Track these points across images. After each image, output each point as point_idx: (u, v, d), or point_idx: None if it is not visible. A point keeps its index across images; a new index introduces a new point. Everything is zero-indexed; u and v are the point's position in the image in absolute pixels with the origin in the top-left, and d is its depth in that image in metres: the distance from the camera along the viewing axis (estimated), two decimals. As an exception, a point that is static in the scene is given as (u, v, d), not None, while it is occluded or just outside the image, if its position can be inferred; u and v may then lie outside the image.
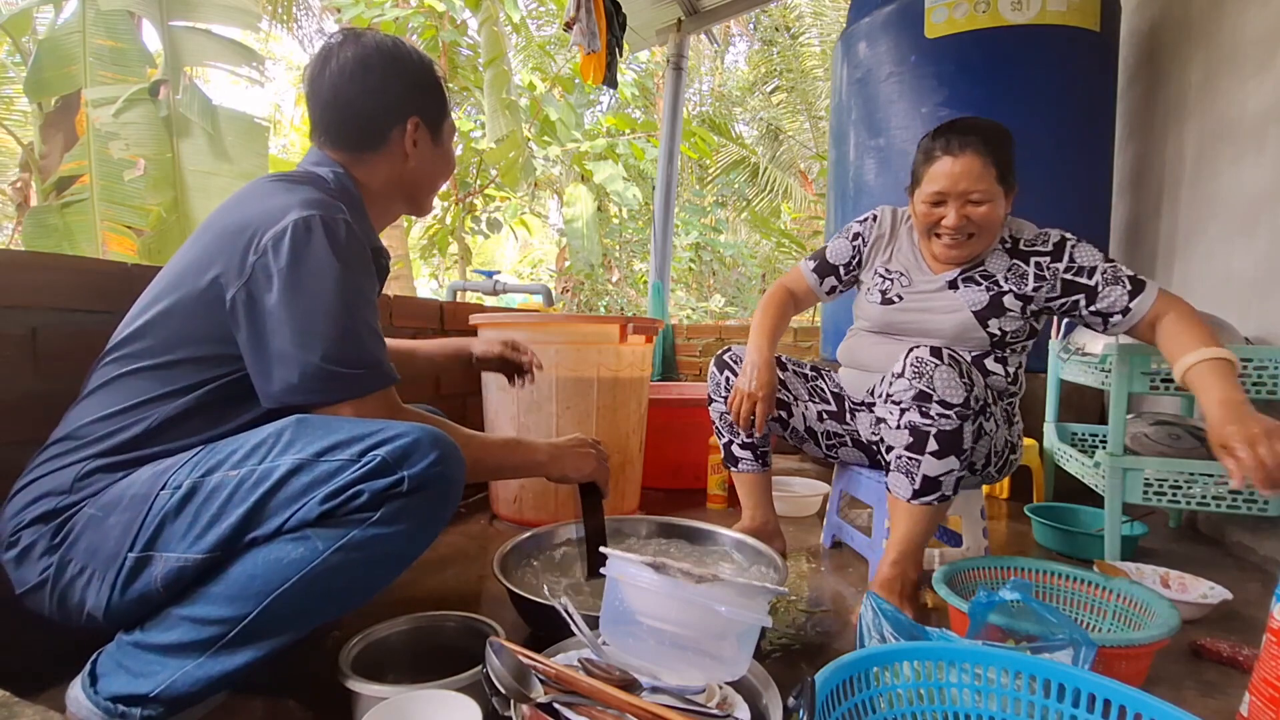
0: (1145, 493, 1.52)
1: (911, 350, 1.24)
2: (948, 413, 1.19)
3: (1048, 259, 1.35)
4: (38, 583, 0.80)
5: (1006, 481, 2.27)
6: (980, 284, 1.38)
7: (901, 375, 1.23)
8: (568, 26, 3.24)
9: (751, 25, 10.36)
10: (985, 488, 2.03)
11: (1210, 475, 1.48)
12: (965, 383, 1.19)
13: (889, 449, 1.27)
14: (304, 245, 0.82)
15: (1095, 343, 1.94)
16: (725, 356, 1.60)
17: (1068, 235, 1.36)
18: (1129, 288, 1.28)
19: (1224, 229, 1.97)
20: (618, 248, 10.01)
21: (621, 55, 3.48)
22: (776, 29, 9.55)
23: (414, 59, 1.03)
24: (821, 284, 1.58)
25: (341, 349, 0.83)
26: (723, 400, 1.58)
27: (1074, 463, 1.80)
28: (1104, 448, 1.59)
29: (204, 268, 0.85)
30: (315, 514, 0.74)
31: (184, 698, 0.76)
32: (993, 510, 2.13)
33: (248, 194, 0.91)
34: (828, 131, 3.35)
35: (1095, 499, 1.65)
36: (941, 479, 1.21)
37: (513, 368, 1.51)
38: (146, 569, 0.76)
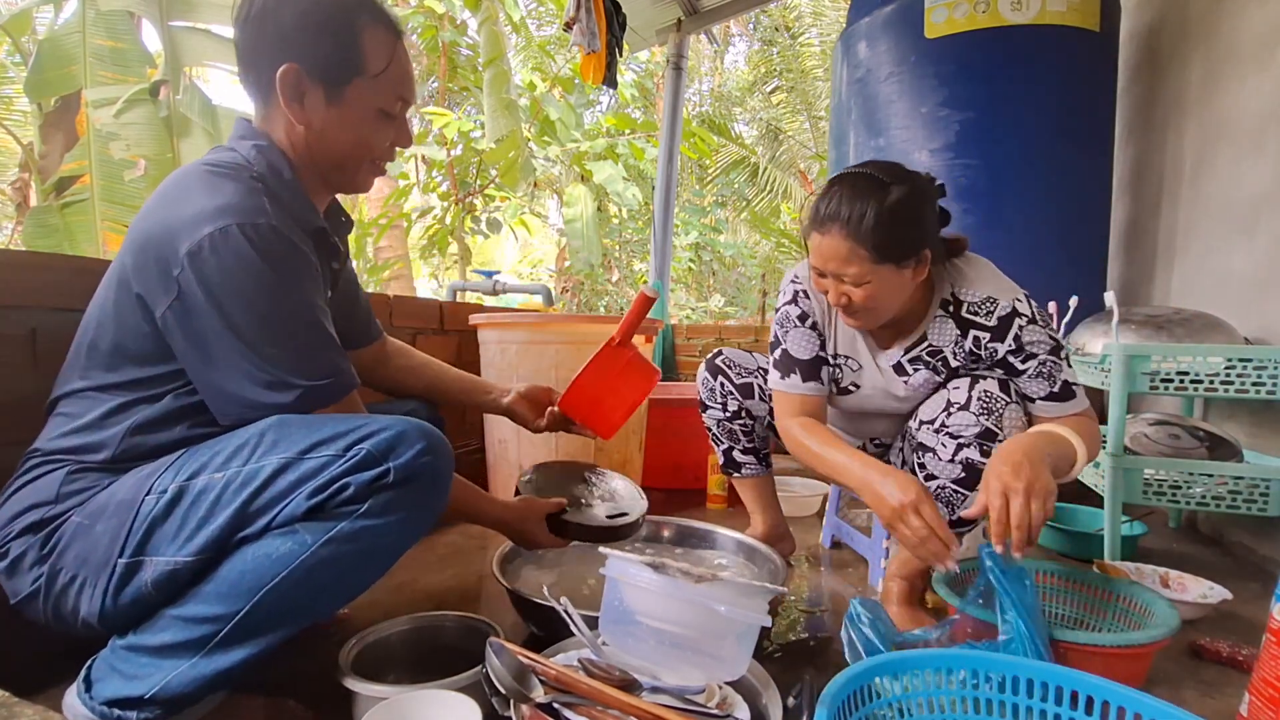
0: (1145, 493, 1.52)
1: (979, 382, 1.15)
2: None
3: (988, 336, 1.17)
4: (30, 593, 0.79)
5: (1006, 481, 2.27)
6: (929, 364, 1.23)
7: (965, 408, 1.14)
8: (568, 26, 3.24)
9: (751, 25, 10.36)
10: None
11: (1210, 475, 1.48)
12: (1027, 421, 1.15)
13: (929, 477, 1.19)
14: (226, 260, 0.76)
15: (1095, 342, 1.94)
16: (717, 360, 1.50)
17: (1019, 308, 1.15)
18: (1054, 389, 1.14)
19: (1223, 229, 1.97)
20: (618, 248, 10.01)
21: (621, 55, 3.48)
22: (776, 29, 9.56)
23: None
24: (823, 384, 1.31)
25: (294, 363, 0.81)
26: (719, 406, 1.49)
27: (1074, 463, 1.80)
28: (1103, 448, 1.59)
29: (131, 283, 0.81)
30: (303, 509, 0.74)
31: (179, 699, 0.76)
32: (992, 510, 2.13)
33: (169, 191, 0.84)
34: (828, 131, 3.35)
35: (1095, 499, 1.65)
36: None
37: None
38: (138, 574, 0.76)
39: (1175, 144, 2.29)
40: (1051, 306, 2.08)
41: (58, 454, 0.83)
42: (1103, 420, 2.12)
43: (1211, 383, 1.46)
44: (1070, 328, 2.08)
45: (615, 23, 3.32)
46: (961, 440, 1.14)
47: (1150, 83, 2.49)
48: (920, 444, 1.21)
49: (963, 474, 1.15)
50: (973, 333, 1.18)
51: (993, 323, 1.16)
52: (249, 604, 0.74)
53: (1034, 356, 1.15)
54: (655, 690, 0.80)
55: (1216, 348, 1.49)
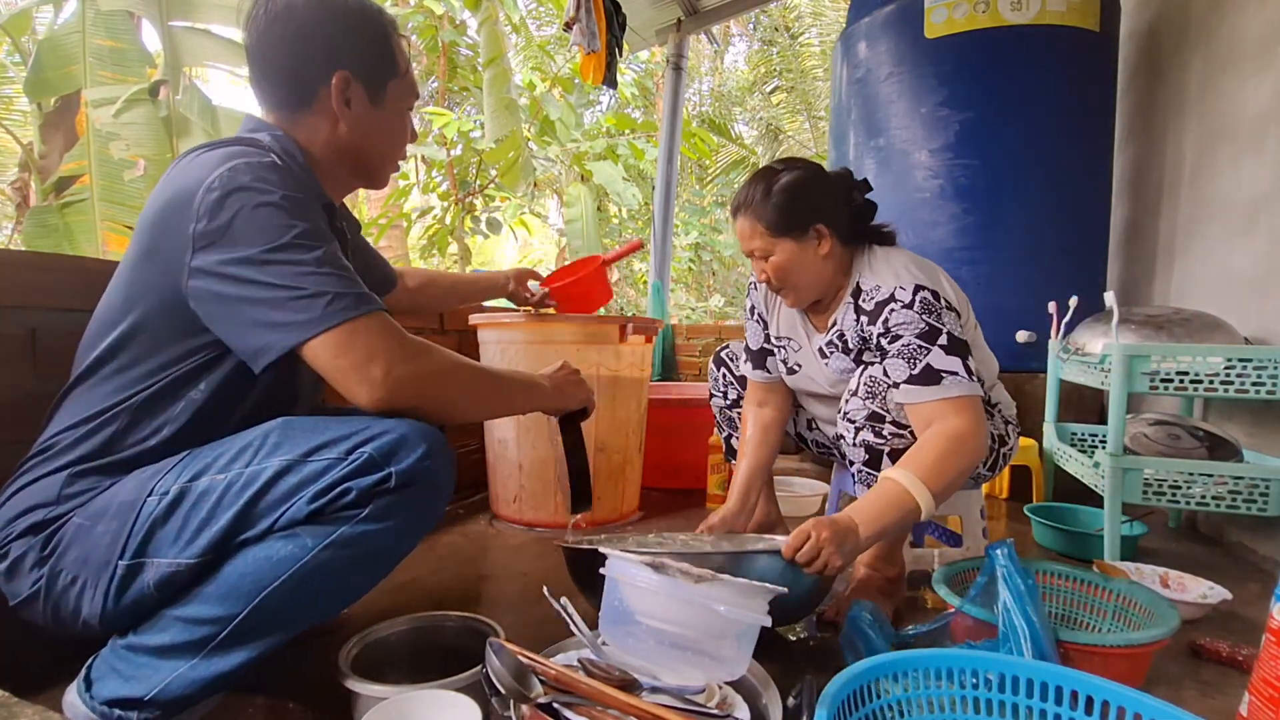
0: (1145, 493, 1.52)
1: (867, 369, 1.23)
2: (901, 432, 1.18)
3: (866, 320, 1.24)
4: (30, 595, 0.79)
5: (1006, 481, 2.27)
6: (839, 349, 1.32)
7: (855, 394, 1.22)
8: (567, 26, 3.24)
9: (751, 25, 10.35)
10: (985, 487, 2.04)
11: (1209, 475, 1.48)
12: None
13: (850, 462, 1.28)
14: (238, 191, 0.76)
15: (1095, 343, 1.94)
16: (722, 354, 1.64)
17: (898, 295, 1.19)
18: (914, 372, 1.14)
19: (1223, 229, 1.97)
20: (617, 248, 10.00)
21: (621, 55, 3.48)
22: (776, 29, 9.55)
23: (349, 6, 0.91)
24: (769, 371, 1.48)
25: (310, 277, 0.76)
26: (720, 395, 1.64)
27: (1073, 463, 1.80)
28: (1104, 448, 1.59)
29: (149, 260, 0.82)
30: (304, 513, 0.74)
31: (179, 700, 0.76)
32: (992, 510, 2.13)
33: (177, 168, 0.85)
34: (828, 131, 3.35)
35: (1095, 499, 1.65)
36: None
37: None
38: (139, 576, 0.76)
39: (1175, 144, 2.29)
40: (1051, 306, 2.08)
41: (60, 453, 0.83)
42: (1102, 420, 2.12)
43: (1211, 383, 1.46)
44: (1070, 328, 2.09)
45: (615, 23, 3.32)
46: (856, 424, 1.22)
47: (1150, 83, 2.49)
48: (838, 434, 1.30)
49: (865, 455, 1.22)
50: (861, 318, 1.26)
51: (870, 307, 1.23)
52: (249, 606, 0.74)
53: (899, 338, 1.17)
54: (655, 690, 0.80)
55: (1216, 348, 1.49)
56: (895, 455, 1.19)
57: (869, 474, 1.23)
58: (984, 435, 1.10)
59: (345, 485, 0.74)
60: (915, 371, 1.14)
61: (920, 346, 1.15)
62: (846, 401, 1.24)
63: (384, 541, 0.77)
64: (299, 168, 0.89)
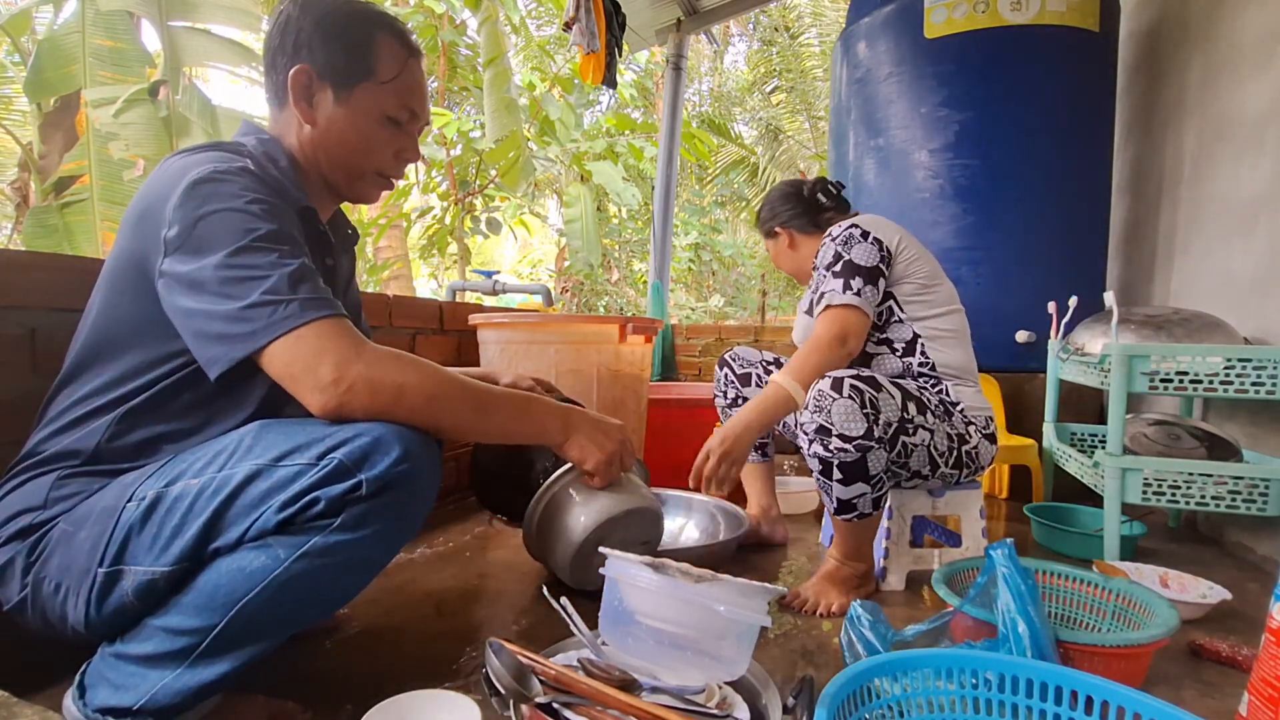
0: (1144, 493, 1.52)
1: (818, 382, 1.25)
2: (846, 446, 1.21)
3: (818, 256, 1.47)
4: (19, 600, 0.79)
5: (1006, 481, 2.27)
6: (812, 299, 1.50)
7: (807, 407, 1.26)
8: (567, 26, 3.25)
9: (751, 25, 10.36)
10: (985, 488, 2.04)
11: (1209, 475, 1.48)
12: (867, 413, 1.20)
13: (811, 470, 1.31)
14: (205, 195, 0.77)
15: (1094, 343, 1.94)
16: (727, 355, 1.70)
17: (833, 232, 1.41)
18: (819, 307, 1.36)
19: (1223, 229, 1.97)
20: (617, 248, 10.00)
21: (621, 55, 3.48)
22: (776, 29, 9.55)
23: (334, 2, 0.91)
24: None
25: (263, 282, 0.75)
26: (721, 394, 1.69)
27: (1073, 463, 1.80)
28: (1103, 448, 1.59)
29: (130, 263, 0.81)
30: (274, 522, 0.71)
31: (168, 709, 0.75)
32: (992, 510, 2.13)
33: (153, 176, 0.85)
34: (827, 132, 3.35)
35: (1095, 499, 1.65)
36: (855, 501, 1.25)
37: None
38: (118, 584, 0.75)
39: (1175, 144, 2.29)
40: (1051, 306, 2.09)
41: (47, 457, 0.82)
42: (1101, 420, 2.12)
43: (1211, 383, 1.46)
44: (1070, 328, 2.09)
45: (615, 23, 3.32)
46: (809, 436, 1.26)
47: (1150, 83, 2.49)
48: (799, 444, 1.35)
49: (820, 466, 1.26)
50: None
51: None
52: (225, 618, 0.72)
53: (820, 275, 1.40)
54: (655, 690, 0.80)
55: (1216, 348, 1.49)
56: (844, 468, 1.22)
57: (826, 483, 1.26)
58: (836, 334, 1.30)
59: (314, 494, 0.71)
60: (820, 307, 1.34)
61: (822, 277, 1.37)
62: (800, 413, 1.28)
63: (362, 551, 0.75)
64: (279, 170, 0.89)
